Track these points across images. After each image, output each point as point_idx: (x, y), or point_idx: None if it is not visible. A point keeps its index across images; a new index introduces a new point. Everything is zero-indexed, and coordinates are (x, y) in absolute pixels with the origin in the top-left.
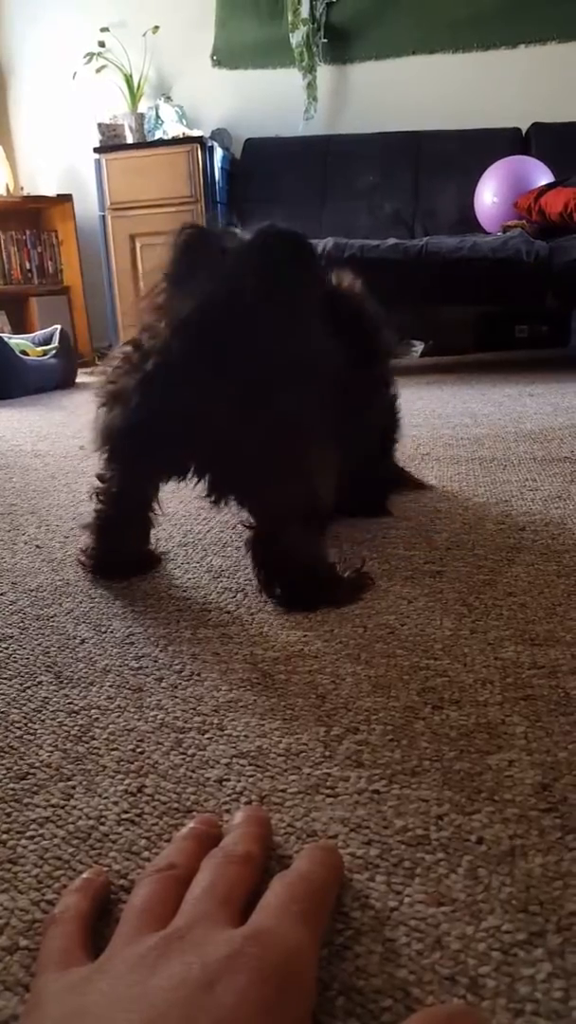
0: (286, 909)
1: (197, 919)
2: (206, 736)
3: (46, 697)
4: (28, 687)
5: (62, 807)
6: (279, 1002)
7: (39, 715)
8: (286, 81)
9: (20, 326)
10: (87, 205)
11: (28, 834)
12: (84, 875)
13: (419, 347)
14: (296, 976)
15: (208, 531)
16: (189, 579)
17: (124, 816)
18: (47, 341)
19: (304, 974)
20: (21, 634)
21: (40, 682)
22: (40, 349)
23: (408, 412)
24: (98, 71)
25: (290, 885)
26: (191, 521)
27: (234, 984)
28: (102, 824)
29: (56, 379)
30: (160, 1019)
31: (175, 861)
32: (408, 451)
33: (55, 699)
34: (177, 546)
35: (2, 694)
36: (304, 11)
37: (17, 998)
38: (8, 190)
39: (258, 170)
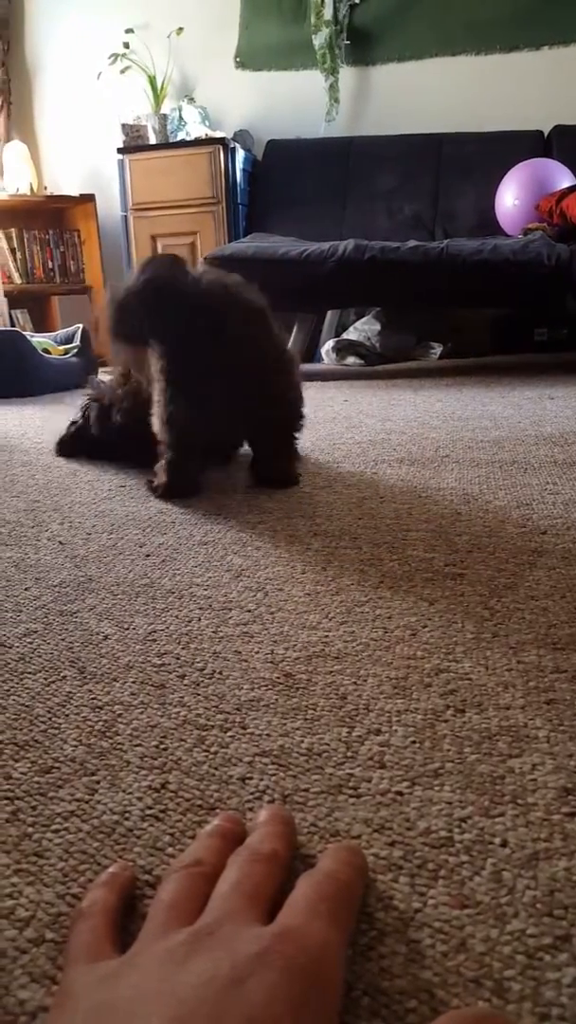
0: (314, 908)
1: (225, 916)
2: (228, 734)
3: (70, 692)
4: (52, 681)
5: (87, 802)
6: (308, 1000)
7: (63, 710)
8: (308, 83)
9: (41, 325)
10: (109, 205)
11: (53, 827)
12: (110, 869)
13: (437, 349)
14: (325, 975)
15: (228, 530)
16: (210, 577)
17: (148, 812)
18: (69, 340)
19: (332, 973)
20: (45, 629)
21: (64, 677)
22: (62, 348)
23: (427, 414)
24: (122, 72)
25: (317, 884)
26: (210, 520)
27: (264, 981)
28: (126, 819)
29: (77, 378)
30: (190, 1015)
31: (201, 857)
32: (428, 453)
33: (79, 694)
34: (198, 544)
35: (27, 688)
36: (327, 13)
37: (44, 989)
38: (32, 189)
39: (279, 172)
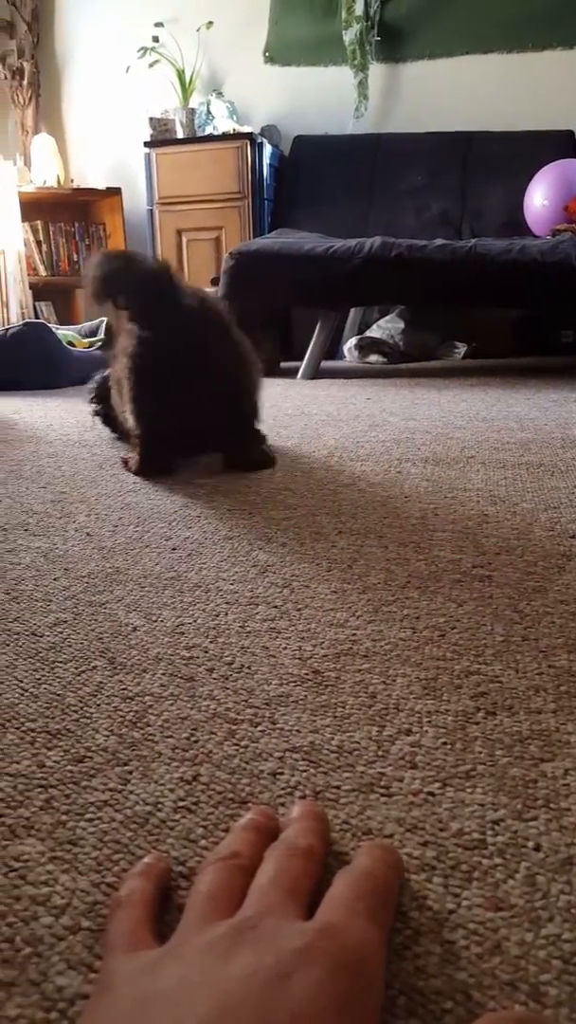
0: (354, 906)
1: (266, 910)
2: (258, 729)
3: (101, 682)
4: (83, 671)
5: (119, 791)
6: (352, 997)
7: (94, 699)
8: (337, 79)
9: (65, 317)
10: (135, 199)
11: (87, 816)
12: (145, 860)
13: (462, 349)
14: (367, 972)
15: (253, 526)
16: (236, 572)
17: (180, 804)
18: (93, 333)
19: (374, 971)
20: (75, 619)
21: (95, 667)
22: (86, 341)
23: (451, 414)
24: (151, 66)
25: (356, 881)
26: (235, 516)
27: (309, 977)
28: (159, 810)
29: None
30: (235, 1007)
31: (238, 850)
32: (453, 453)
33: (110, 684)
34: (223, 539)
35: (58, 677)
36: (358, 9)
37: (81, 977)
38: (59, 182)
39: (306, 167)
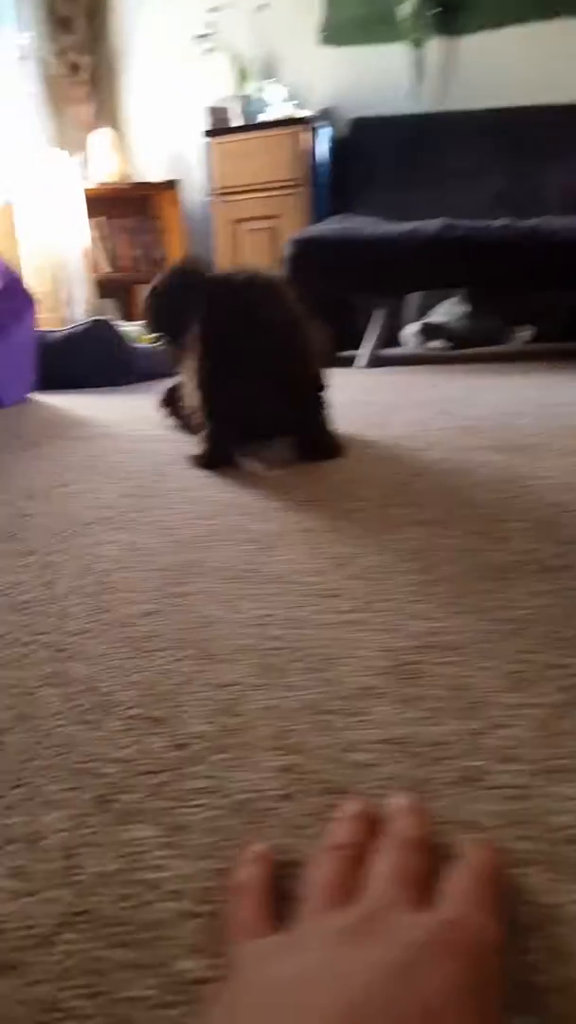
0: (473, 899)
1: (387, 901)
2: (350, 720)
3: (192, 671)
4: (175, 660)
5: (221, 779)
6: (480, 990)
7: (188, 687)
8: (393, 57)
9: (129, 314)
10: (193, 190)
11: (193, 803)
12: (254, 847)
13: (526, 333)
14: (490, 965)
15: (326, 518)
16: (313, 565)
17: (281, 792)
18: None
19: (496, 965)
20: (162, 610)
21: (185, 656)
22: (149, 337)
23: (517, 400)
24: (206, 53)
25: (472, 875)
26: (307, 508)
27: (436, 969)
28: (261, 799)
29: (165, 366)
30: (364, 998)
31: (348, 840)
32: (521, 441)
33: (201, 673)
34: (297, 532)
35: (152, 665)
36: None
37: (202, 962)
38: (119, 176)
39: (364, 150)
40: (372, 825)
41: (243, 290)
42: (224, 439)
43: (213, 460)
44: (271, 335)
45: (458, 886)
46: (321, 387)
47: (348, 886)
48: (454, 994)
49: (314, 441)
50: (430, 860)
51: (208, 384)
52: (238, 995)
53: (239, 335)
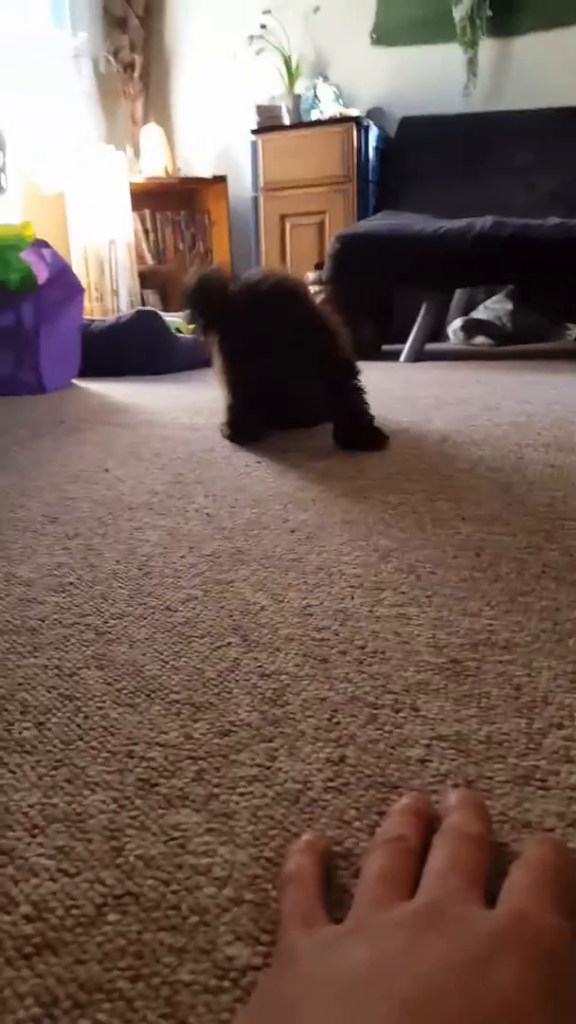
0: (540, 895)
1: (449, 896)
2: (400, 715)
3: (236, 658)
4: (218, 647)
5: (267, 767)
6: (550, 987)
7: (232, 675)
8: (445, 57)
9: (171, 305)
10: (240, 186)
11: (239, 790)
12: (305, 837)
13: (574, 330)
14: (564, 962)
15: (369, 510)
16: (357, 556)
17: (330, 784)
18: None
19: (569, 962)
20: (204, 596)
21: (229, 643)
22: (192, 327)
23: (569, 396)
24: (258, 53)
25: (537, 871)
26: (349, 499)
27: (510, 964)
28: (309, 789)
29: (206, 357)
30: (440, 991)
31: (404, 833)
32: (569, 439)
33: (245, 661)
34: (340, 523)
35: (196, 651)
36: None
37: (250, 949)
38: (167, 172)
39: (412, 149)
40: (428, 820)
41: (264, 291)
42: (248, 414)
43: (238, 432)
44: (291, 325)
45: (521, 882)
46: (353, 371)
47: (404, 879)
48: (529, 989)
49: (352, 428)
50: (488, 855)
51: (231, 363)
52: (296, 984)
53: (262, 324)
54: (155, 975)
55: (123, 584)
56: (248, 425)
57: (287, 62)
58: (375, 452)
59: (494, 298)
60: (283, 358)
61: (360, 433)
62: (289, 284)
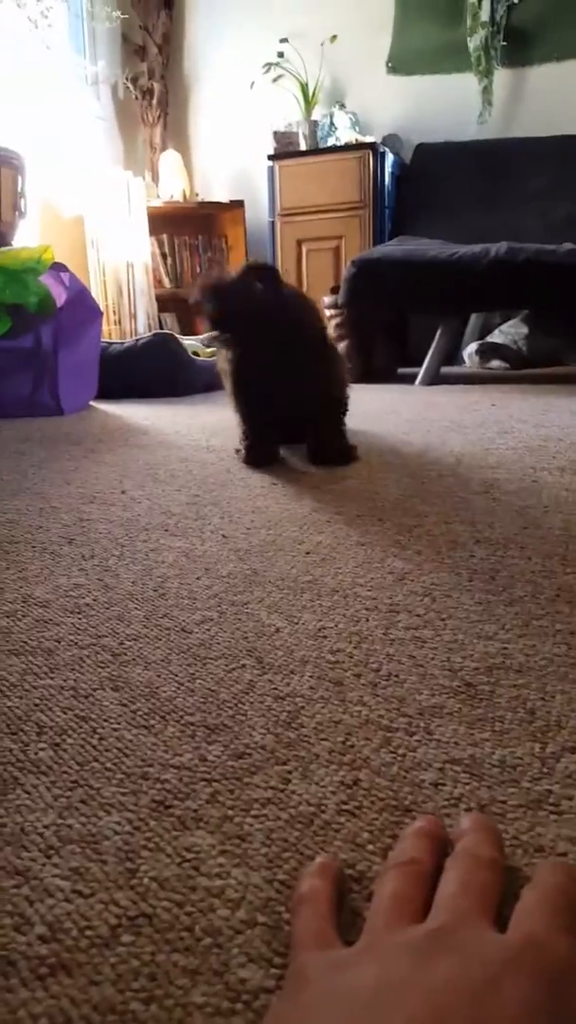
0: (552, 919)
1: (460, 918)
2: (414, 738)
3: (251, 680)
4: (233, 669)
5: (281, 790)
6: (562, 1011)
7: (247, 697)
8: (460, 86)
9: (188, 328)
10: (257, 211)
11: (252, 813)
12: (318, 860)
13: None
14: (573, 987)
15: (384, 532)
16: (372, 579)
17: (343, 807)
18: None
19: None
20: (220, 617)
21: (244, 665)
22: (209, 350)
23: None
24: (275, 80)
25: (549, 895)
26: (364, 521)
27: (520, 987)
28: (322, 812)
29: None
30: (449, 1012)
31: (417, 857)
32: None
33: (260, 683)
34: (355, 544)
35: (211, 673)
36: (484, 15)
37: (263, 971)
38: (184, 196)
39: (428, 175)
40: (440, 843)
41: (282, 313)
42: (261, 438)
43: (252, 457)
44: (297, 353)
45: (532, 906)
46: (343, 407)
47: (417, 902)
48: (538, 1014)
49: (325, 445)
50: (501, 879)
51: (239, 391)
52: (307, 1006)
53: (270, 350)
54: (168, 997)
55: (139, 605)
56: (261, 449)
57: (304, 89)
58: (390, 475)
59: (509, 322)
60: (287, 376)
61: (332, 450)
62: (307, 302)
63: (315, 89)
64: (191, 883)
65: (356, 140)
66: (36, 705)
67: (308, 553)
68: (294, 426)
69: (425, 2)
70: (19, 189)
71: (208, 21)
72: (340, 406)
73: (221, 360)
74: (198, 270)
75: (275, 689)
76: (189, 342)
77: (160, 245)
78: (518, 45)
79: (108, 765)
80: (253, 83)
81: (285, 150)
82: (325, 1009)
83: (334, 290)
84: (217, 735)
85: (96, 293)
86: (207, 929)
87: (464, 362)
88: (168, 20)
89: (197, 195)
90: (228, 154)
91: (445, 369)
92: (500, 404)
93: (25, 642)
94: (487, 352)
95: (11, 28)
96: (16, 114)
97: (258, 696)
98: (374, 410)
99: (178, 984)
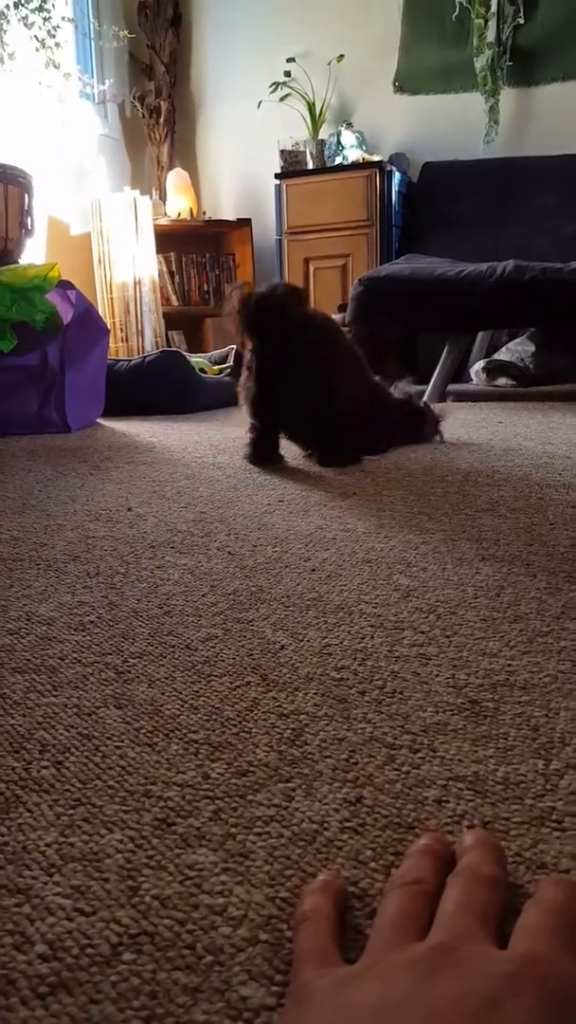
0: (554, 937)
1: (462, 935)
2: (418, 755)
3: (255, 698)
4: (238, 686)
5: (284, 808)
6: None
7: (251, 714)
8: (467, 105)
9: (196, 345)
10: (265, 229)
11: (255, 830)
12: (321, 878)
13: None
14: (574, 1004)
15: (390, 549)
16: (377, 595)
17: (346, 824)
18: (222, 360)
19: None
20: (225, 634)
21: (248, 682)
22: (216, 368)
23: None
24: (282, 100)
25: (550, 913)
26: (371, 538)
27: (521, 1005)
28: (325, 829)
29: (230, 396)
30: None
31: (421, 876)
32: None
33: (264, 700)
34: (361, 562)
35: (215, 691)
36: (490, 35)
37: (264, 989)
38: (192, 214)
39: (435, 193)
40: (444, 861)
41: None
42: (265, 439)
43: (255, 455)
44: (308, 371)
45: (534, 924)
46: (343, 415)
47: (420, 921)
48: None
49: (326, 447)
50: (502, 897)
51: (255, 395)
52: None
53: (283, 367)
54: (169, 1015)
55: (143, 623)
56: (265, 448)
57: (311, 108)
58: (396, 492)
59: (517, 340)
60: (307, 382)
61: (333, 451)
62: (331, 322)
63: (322, 108)
64: (193, 901)
65: (363, 159)
66: (39, 723)
67: (314, 570)
68: (305, 428)
69: (432, 22)
70: (26, 207)
71: (215, 40)
72: (347, 417)
73: (246, 360)
74: (205, 288)
75: (279, 706)
76: (196, 359)
77: (167, 263)
78: (524, 65)
79: (111, 783)
80: (260, 102)
81: (292, 168)
82: None
83: (341, 308)
84: (221, 753)
85: (103, 311)
86: (209, 947)
87: (471, 380)
88: (175, 39)
89: (204, 213)
90: (235, 172)
91: (453, 386)
92: (506, 421)
93: (29, 660)
94: (494, 370)
95: (18, 47)
96: (23, 132)
97: (262, 713)
98: None
99: (179, 1002)
